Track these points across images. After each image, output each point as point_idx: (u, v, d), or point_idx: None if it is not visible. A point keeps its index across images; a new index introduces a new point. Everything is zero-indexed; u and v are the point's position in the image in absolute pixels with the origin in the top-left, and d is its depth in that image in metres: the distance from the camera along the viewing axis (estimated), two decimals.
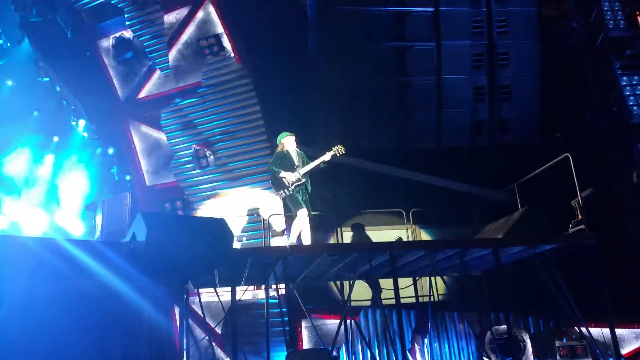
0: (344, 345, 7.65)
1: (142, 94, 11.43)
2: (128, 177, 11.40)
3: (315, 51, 11.17)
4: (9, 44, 12.50)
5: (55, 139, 12.70)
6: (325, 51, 11.00)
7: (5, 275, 5.17)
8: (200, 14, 11.16)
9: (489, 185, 9.83)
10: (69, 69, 11.91)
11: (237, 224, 9.48)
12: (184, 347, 6.79)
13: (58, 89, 12.55)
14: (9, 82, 12.50)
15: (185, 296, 7.20)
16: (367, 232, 8.66)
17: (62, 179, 11.75)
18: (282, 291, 7.73)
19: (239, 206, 9.93)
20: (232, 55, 10.82)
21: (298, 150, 7.12)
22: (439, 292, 8.32)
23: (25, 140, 12.21)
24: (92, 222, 9.85)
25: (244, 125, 10.57)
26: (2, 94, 12.52)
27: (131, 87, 11.50)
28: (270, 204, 9.64)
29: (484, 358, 6.93)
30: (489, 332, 6.96)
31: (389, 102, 11.08)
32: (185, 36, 11.23)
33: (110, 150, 11.92)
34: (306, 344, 7.73)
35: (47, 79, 12.57)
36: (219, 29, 11.00)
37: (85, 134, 12.48)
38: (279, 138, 7.22)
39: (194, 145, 10.65)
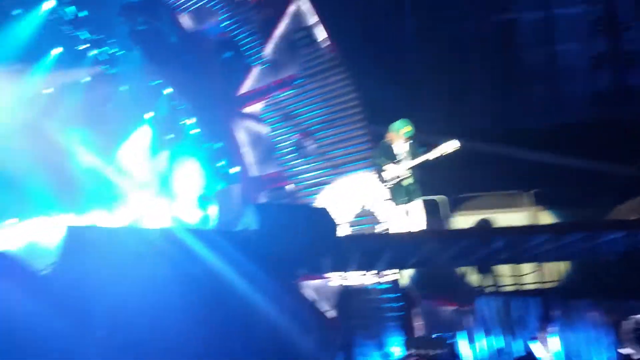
0: (461, 332, 7.33)
1: (243, 89, 11.80)
2: (235, 169, 11.86)
3: (414, 31, 10.84)
4: (121, 53, 13.45)
5: (168, 137, 13.54)
6: (423, 30, 10.63)
7: (128, 266, 5.45)
8: (293, 7, 11.26)
9: (617, 162, 8.89)
10: (176, 72, 12.59)
11: (342, 212, 9.47)
12: (296, 336, 6.83)
13: (168, 91, 13.33)
14: (124, 88, 13.47)
15: (295, 284, 7.29)
16: (483, 216, 8.21)
17: (177, 173, 12.50)
18: (393, 277, 7.58)
19: (344, 193, 9.92)
20: (326, 44, 10.80)
21: (408, 142, 6.83)
22: (566, 279, 7.68)
23: (142, 140, 13.14)
24: (206, 213, 10.38)
25: (342, 113, 10.52)
26: (118, 99, 13.52)
27: (232, 85, 11.93)
28: (376, 190, 9.51)
29: (622, 349, 6.29)
30: (626, 322, 6.30)
31: (497, 79, 10.49)
32: (279, 30, 11.40)
33: (218, 145, 12.46)
34: (420, 330, 7.52)
35: (157, 82, 13.39)
36: (313, 19, 11.01)
37: (195, 131, 13.18)
38: (390, 128, 7.02)
39: (295, 136, 10.82)
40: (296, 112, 11.00)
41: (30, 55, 12.06)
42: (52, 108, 12.34)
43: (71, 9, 12.37)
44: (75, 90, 12.86)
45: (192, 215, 11.46)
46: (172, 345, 5.25)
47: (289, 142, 10.93)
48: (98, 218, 11.53)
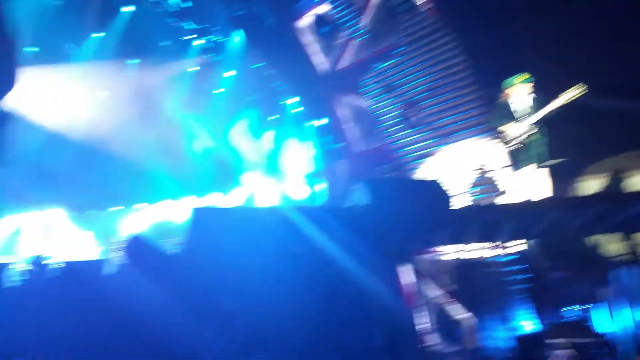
0: (597, 305, 6.72)
1: (342, 64, 11.65)
2: (339, 145, 11.84)
3: None
4: (224, 40, 13.86)
5: (272, 118, 13.84)
6: None
7: (247, 245, 5.59)
8: None
9: None
10: (276, 53, 12.74)
11: (457, 182, 9.07)
12: (409, 315, 6.66)
13: (269, 72, 13.57)
14: (229, 74, 13.92)
15: (409, 260, 7.10)
16: (614, 179, 7.40)
17: (284, 153, 12.78)
18: (518, 248, 7.11)
19: (456, 162, 9.48)
20: (427, 8, 10.25)
21: (529, 96, 6.27)
22: None
23: (247, 123, 13.58)
24: (314, 190, 10.51)
25: (449, 79, 10.00)
26: (224, 85, 14.01)
27: (331, 60, 11.82)
28: (493, 156, 8.98)
29: None
30: None
31: (624, 29, 9.25)
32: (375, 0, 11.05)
33: (320, 122, 12.50)
34: (548, 303, 7.00)
35: (259, 65, 13.66)
36: None
37: (297, 110, 13.32)
38: (505, 84, 6.50)
39: (399, 107, 10.50)
40: (399, 82, 10.66)
41: (140, 48, 12.82)
42: (166, 97, 13.09)
43: (175, 1, 12.93)
44: (185, 79, 13.52)
45: (300, 193, 11.67)
46: (283, 324, 5.31)
47: (392, 113, 10.65)
48: (215, 199, 12.15)
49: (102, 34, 12.59)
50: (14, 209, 11.43)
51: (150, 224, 11.84)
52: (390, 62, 10.75)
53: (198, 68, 13.73)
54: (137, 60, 12.86)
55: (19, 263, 7.82)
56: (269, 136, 13.70)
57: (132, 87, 12.50)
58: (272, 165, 13.01)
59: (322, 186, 10.21)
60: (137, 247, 6.18)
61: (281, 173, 12.75)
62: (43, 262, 6.80)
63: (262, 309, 5.32)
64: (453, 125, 9.84)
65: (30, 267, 6.74)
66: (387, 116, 10.81)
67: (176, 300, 5.29)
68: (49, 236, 10.99)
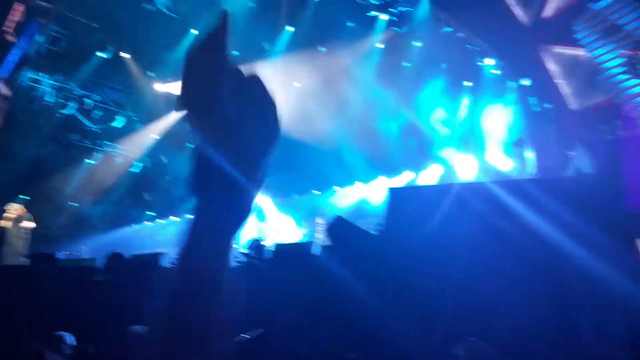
0: None
1: (546, 12, 10.23)
2: (549, 106, 10.49)
3: None
4: (408, 10, 13.33)
5: (467, 83, 12.92)
6: None
7: (442, 222, 5.20)
8: None
9: None
10: (466, 12, 11.78)
11: None
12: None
13: (460, 35, 12.67)
14: (418, 44, 13.39)
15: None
16: None
17: (483, 120, 11.83)
18: None
19: None
20: None
21: None
22: None
23: (440, 93, 12.88)
24: (521, 159, 9.46)
25: None
26: (413, 56, 13.53)
27: (533, 10, 10.49)
28: None
29: None
30: None
31: None
32: None
33: (525, 82, 11.26)
34: None
35: (448, 29, 12.85)
36: None
37: (496, 72, 12.23)
38: None
39: (624, 52, 8.76)
40: (623, 21, 8.87)
41: (328, 33, 13.08)
42: (357, 78, 13.19)
43: None
44: (374, 56, 13.44)
45: (503, 165, 10.67)
46: (492, 308, 4.80)
47: (617, 61, 8.94)
48: (411, 177, 11.89)
49: (292, 28, 13.19)
50: None
51: (348, 205, 12.14)
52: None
53: (385, 44, 13.51)
54: (326, 47, 13.19)
55: (239, 247, 8.73)
56: (465, 104, 12.81)
57: (324, 72, 12.85)
58: (470, 136, 12.16)
59: (529, 155, 9.12)
60: (339, 228, 6.30)
61: (481, 144, 11.82)
62: (259, 246, 7.36)
63: (466, 292, 4.92)
64: None
65: (249, 251, 7.35)
66: (609, 64, 9.13)
67: (377, 280, 5.23)
68: (262, 221, 12.05)
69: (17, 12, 13.31)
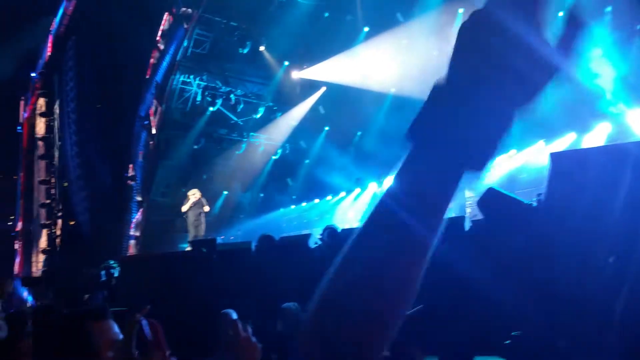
0: None
1: None
2: None
3: None
4: None
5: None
6: None
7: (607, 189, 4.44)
8: None
9: None
10: None
11: None
12: None
13: None
14: None
15: None
16: None
17: None
18: None
19: None
20: None
21: None
22: None
23: (605, 40, 11.17)
24: None
25: None
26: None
27: None
28: None
29: None
30: None
31: None
32: None
33: None
34: None
35: None
36: None
37: None
38: None
39: None
40: None
41: None
42: None
43: None
44: None
45: None
46: None
47: None
48: (571, 140, 10.54)
49: None
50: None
51: (502, 175, 11.15)
52: None
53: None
54: (463, 9, 12.23)
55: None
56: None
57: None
58: None
59: None
60: (492, 201, 5.80)
61: None
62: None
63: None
64: None
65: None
66: None
67: (538, 257, 4.69)
68: None
69: (164, 21, 14.53)
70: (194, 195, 10.76)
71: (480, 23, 0.62)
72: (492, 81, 0.61)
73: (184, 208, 10.69)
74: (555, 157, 5.91)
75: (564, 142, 10.54)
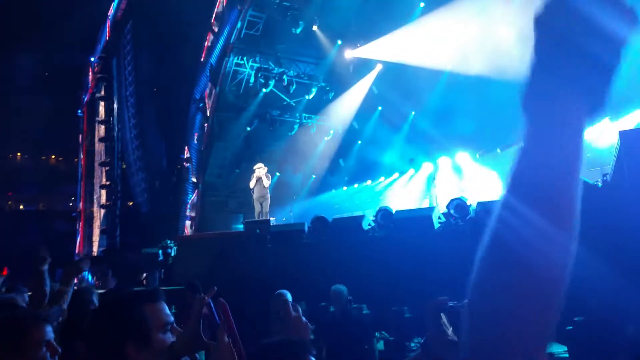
0: None
1: None
2: None
3: None
4: None
5: None
6: None
7: None
8: None
9: None
10: None
11: None
12: None
13: None
14: None
15: None
16: None
17: None
18: None
19: None
20: None
21: None
22: None
23: None
24: None
25: None
26: None
27: None
28: None
29: None
30: None
31: None
32: None
33: None
34: None
35: None
36: None
37: None
38: None
39: None
40: None
41: None
42: None
43: None
44: None
45: None
46: None
47: None
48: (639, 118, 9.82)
49: None
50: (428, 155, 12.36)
51: None
52: None
53: None
54: None
55: (436, 207, 8.29)
56: None
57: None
58: None
59: None
60: None
61: None
62: (461, 204, 6.89)
63: None
64: None
65: (450, 211, 6.94)
66: None
67: (602, 238, 4.46)
68: (460, 178, 11.33)
69: (218, 4, 14.67)
70: (259, 169, 10.10)
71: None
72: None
73: (251, 184, 10.01)
74: (623, 135, 5.60)
75: (632, 119, 9.85)
